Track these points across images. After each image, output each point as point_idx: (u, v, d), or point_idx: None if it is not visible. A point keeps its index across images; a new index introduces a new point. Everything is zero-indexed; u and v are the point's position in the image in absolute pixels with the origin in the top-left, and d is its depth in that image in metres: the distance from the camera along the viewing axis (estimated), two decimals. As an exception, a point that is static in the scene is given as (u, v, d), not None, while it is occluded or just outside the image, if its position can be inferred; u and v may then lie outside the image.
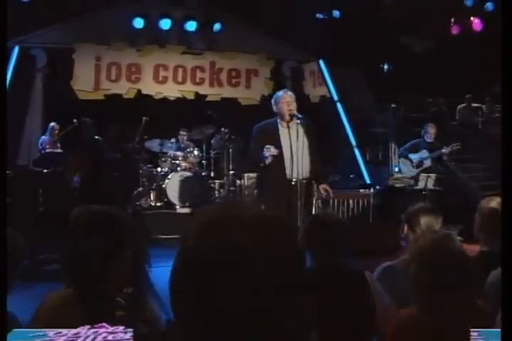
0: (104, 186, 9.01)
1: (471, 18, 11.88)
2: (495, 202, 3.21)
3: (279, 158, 5.48)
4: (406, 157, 9.52)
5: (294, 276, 0.97)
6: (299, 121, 5.49)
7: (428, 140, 9.43)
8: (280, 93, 5.86)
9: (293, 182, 5.43)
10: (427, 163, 9.30)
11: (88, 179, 9.01)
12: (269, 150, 5.44)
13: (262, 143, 5.59)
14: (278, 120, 5.69)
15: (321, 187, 5.86)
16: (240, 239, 0.92)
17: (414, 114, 12.81)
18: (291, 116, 5.53)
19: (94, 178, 9.07)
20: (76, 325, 1.85)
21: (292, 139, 5.41)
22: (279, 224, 0.98)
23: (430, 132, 9.43)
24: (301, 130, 5.52)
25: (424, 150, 9.34)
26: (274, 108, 5.73)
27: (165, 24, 10.97)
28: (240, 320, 0.91)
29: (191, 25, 11.18)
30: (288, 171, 5.47)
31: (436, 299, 2.12)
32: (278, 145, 5.51)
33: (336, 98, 12.32)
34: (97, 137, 9.66)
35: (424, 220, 3.15)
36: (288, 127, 5.56)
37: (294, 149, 5.39)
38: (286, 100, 5.62)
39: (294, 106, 5.59)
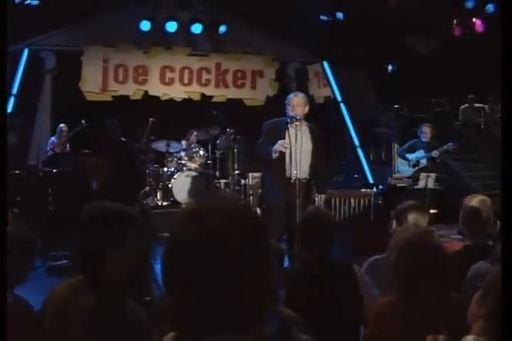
0: (115, 185, 9.19)
1: (473, 20, 12.00)
2: (476, 200, 3.40)
3: (281, 156, 5.61)
4: (404, 157, 9.69)
5: (261, 256, 1.17)
6: (303, 123, 5.68)
7: (424, 140, 9.59)
8: (290, 95, 6.01)
9: (292, 181, 5.56)
10: (423, 163, 9.46)
11: (111, 180, 9.21)
12: (279, 146, 5.54)
13: (271, 137, 5.73)
14: (288, 119, 5.81)
15: (319, 196, 6.02)
16: (216, 226, 1.13)
17: (417, 114, 12.93)
18: (293, 118, 5.68)
19: (116, 179, 9.27)
20: (83, 307, 2.07)
21: (298, 140, 5.56)
22: (248, 213, 1.19)
23: (426, 132, 9.59)
24: (304, 132, 5.69)
25: (421, 150, 9.50)
26: (286, 109, 5.84)
27: (171, 27, 11.12)
28: (216, 294, 1.12)
29: (197, 28, 11.34)
30: (288, 170, 5.61)
31: (411, 287, 2.30)
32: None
33: (339, 99, 12.47)
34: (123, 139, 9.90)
35: (412, 217, 3.33)
36: (292, 128, 5.71)
37: (298, 150, 5.54)
38: (293, 103, 5.76)
39: (300, 110, 5.73)
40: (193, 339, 1.13)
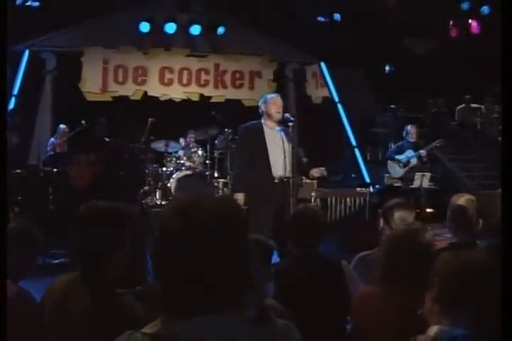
0: (113, 185, 9.29)
1: (469, 21, 12.13)
2: (462, 199, 3.53)
3: (265, 158, 5.68)
4: (393, 159, 9.81)
5: (238, 247, 1.30)
6: (289, 124, 5.78)
7: (411, 140, 9.75)
8: (271, 95, 6.06)
9: (276, 181, 5.65)
10: (414, 162, 9.60)
11: (100, 178, 9.30)
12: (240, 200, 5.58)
13: (247, 143, 5.84)
14: (263, 121, 5.87)
15: (313, 171, 5.98)
16: (197, 218, 1.26)
17: (414, 114, 13.05)
18: (283, 119, 5.78)
19: (105, 177, 9.36)
20: (80, 302, 2.19)
21: (283, 140, 5.66)
22: (227, 207, 1.33)
23: (411, 132, 9.77)
24: (284, 133, 5.76)
25: (410, 150, 9.65)
26: (262, 108, 5.87)
27: (170, 28, 11.26)
28: (196, 280, 1.26)
29: (195, 29, 11.47)
30: (275, 170, 5.66)
31: (391, 278, 2.44)
32: (264, 146, 5.71)
33: (336, 99, 12.59)
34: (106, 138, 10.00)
35: (398, 215, 3.45)
36: (275, 128, 5.79)
37: (283, 148, 5.61)
38: (276, 103, 5.81)
39: (281, 110, 5.80)
40: (177, 321, 1.26)
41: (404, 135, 9.90)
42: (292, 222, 3.21)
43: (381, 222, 3.54)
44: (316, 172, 5.97)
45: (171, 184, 9.79)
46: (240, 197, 5.55)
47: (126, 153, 10.19)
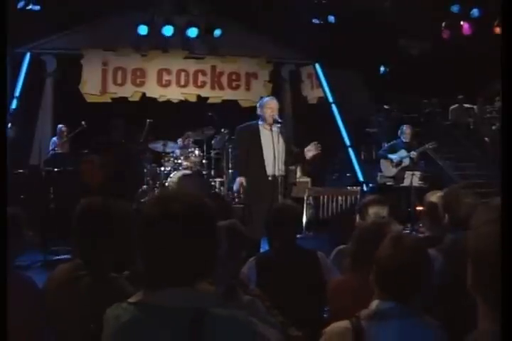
0: (119, 184, 9.54)
1: (461, 23, 12.34)
2: (434, 196, 3.79)
3: (259, 157, 6.06)
4: (386, 158, 10.04)
5: (205, 232, 1.58)
6: (279, 125, 6.09)
7: (405, 140, 9.97)
8: (267, 99, 6.48)
9: (270, 179, 6.00)
10: (406, 162, 9.83)
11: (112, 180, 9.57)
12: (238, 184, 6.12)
13: (245, 143, 6.23)
14: (260, 122, 6.26)
15: (306, 150, 6.15)
16: (172, 208, 1.54)
17: (408, 114, 13.27)
18: (273, 121, 6.09)
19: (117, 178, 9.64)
20: (81, 285, 2.46)
21: (274, 141, 5.97)
22: (197, 201, 1.61)
23: (406, 132, 9.98)
24: (279, 133, 6.10)
25: (403, 150, 9.87)
26: (259, 111, 6.29)
27: (168, 31, 11.49)
28: (171, 258, 1.56)
29: (193, 32, 11.70)
30: (268, 169, 6.02)
31: (359, 267, 2.70)
32: (259, 145, 6.09)
33: (331, 100, 12.82)
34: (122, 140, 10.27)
35: (372, 210, 3.72)
36: (270, 130, 6.11)
37: (276, 149, 5.95)
38: (271, 106, 6.19)
39: (276, 112, 6.17)
40: (155, 291, 1.54)
41: (399, 134, 10.12)
42: (271, 218, 3.49)
43: (357, 217, 3.80)
44: (309, 150, 6.12)
45: (169, 183, 10.02)
46: (242, 180, 6.05)
47: (131, 154, 10.43)
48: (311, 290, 3.21)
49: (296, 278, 3.23)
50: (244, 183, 6.05)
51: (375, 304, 2.14)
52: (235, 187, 6.28)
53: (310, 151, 6.12)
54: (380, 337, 2.03)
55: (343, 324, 2.12)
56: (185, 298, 1.54)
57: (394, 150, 10.00)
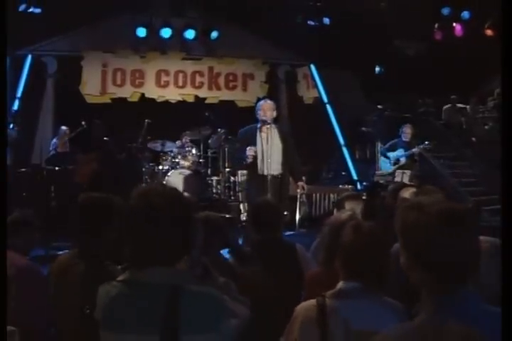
0: (110, 183, 9.76)
1: (454, 24, 12.57)
2: (407, 193, 4.07)
3: (255, 158, 6.36)
4: (385, 155, 10.32)
5: (182, 220, 1.86)
6: (268, 126, 6.37)
7: (405, 139, 10.23)
8: (261, 101, 6.80)
9: (261, 177, 6.34)
10: (403, 161, 10.10)
11: (97, 177, 9.79)
12: (250, 151, 6.32)
13: (243, 144, 6.52)
14: (259, 123, 6.56)
15: (298, 184, 6.72)
16: (154, 200, 1.83)
17: (402, 114, 13.45)
18: (265, 122, 6.39)
19: (102, 176, 9.86)
20: (78, 272, 2.75)
21: (263, 142, 6.31)
22: (175, 194, 1.90)
23: (406, 132, 10.24)
24: (274, 134, 6.39)
25: (401, 149, 10.14)
26: (256, 113, 6.63)
27: (166, 33, 11.70)
28: (152, 242, 1.84)
29: (190, 34, 11.91)
30: (259, 168, 6.36)
31: (330, 259, 2.97)
32: (255, 145, 6.39)
33: (325, 100, 13.05)
34: (105, 138, 10.48)
35: (348, 205, 4.00)
36: (263, 131, 6.43)
37: (265, 149, 6.27)
38: (263, 108, 6.49)
39: (270, 114, 6.45)
40: (139, 270, 1.83)
41: (400, 133, 10.39)
42: (252, 213, 3.78)
43: (335, 211, 4.08)
44: (300, 186, 6.78)
45: (167, 182, 10.23)
46: (253, 148, 6.30)
47: (123, 152, 10.65)
48: (289, 279, 3.48)
49: (275, 267, 3.49)
50: (255, 150, 6.29)
51: (339, 284, 2.41)
52: (248, 152, 6.35)
53: (300, 188, 6.82)
54: (341, 313, 2.30)
55: (311, 302, 2.39)
56: (165, 276, 1.82)
57: (394, 149, 10.28)
